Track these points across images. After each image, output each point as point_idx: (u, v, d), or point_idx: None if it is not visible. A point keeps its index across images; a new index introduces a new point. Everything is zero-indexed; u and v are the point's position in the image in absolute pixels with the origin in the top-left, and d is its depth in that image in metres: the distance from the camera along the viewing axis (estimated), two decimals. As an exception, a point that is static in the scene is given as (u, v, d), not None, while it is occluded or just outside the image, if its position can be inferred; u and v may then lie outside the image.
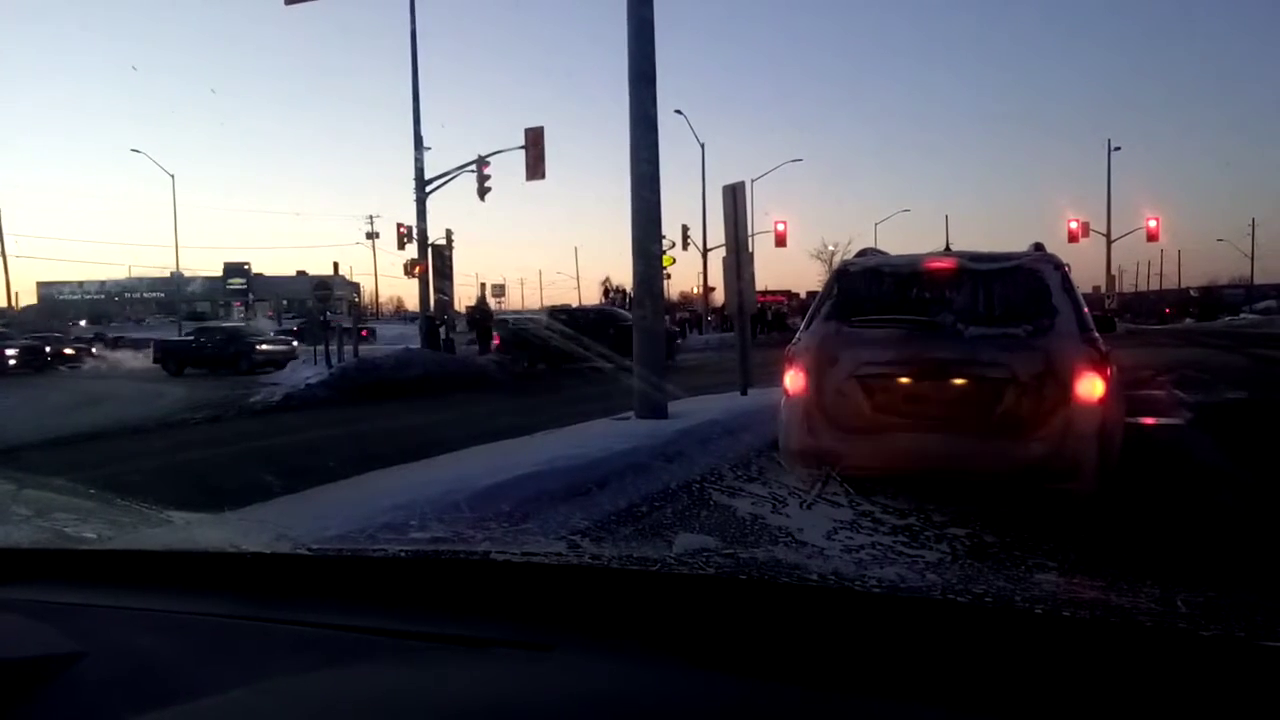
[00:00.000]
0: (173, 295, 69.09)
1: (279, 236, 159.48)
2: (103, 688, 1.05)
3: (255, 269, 79.84)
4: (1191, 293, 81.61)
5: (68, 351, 33.02)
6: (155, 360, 27.84)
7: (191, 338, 28.42)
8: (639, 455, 7.08)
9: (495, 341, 24.23)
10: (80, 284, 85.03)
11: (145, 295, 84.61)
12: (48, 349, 31.78)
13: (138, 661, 1.13)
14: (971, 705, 0.88)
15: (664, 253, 18.63)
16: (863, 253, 6.47)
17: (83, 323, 55.30)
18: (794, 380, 5.64)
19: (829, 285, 6.07)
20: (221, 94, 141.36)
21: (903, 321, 5.41)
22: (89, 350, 34.48)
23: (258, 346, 25.76)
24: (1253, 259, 72.89)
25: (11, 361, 29.07)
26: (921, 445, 5.10)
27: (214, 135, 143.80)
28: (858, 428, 5.32)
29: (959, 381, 5.20)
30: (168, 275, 60.20)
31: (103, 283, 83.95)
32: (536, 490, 5.74)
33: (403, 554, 1.53)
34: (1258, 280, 74.39)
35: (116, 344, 37.97)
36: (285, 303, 73.78)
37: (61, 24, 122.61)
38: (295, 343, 27.52)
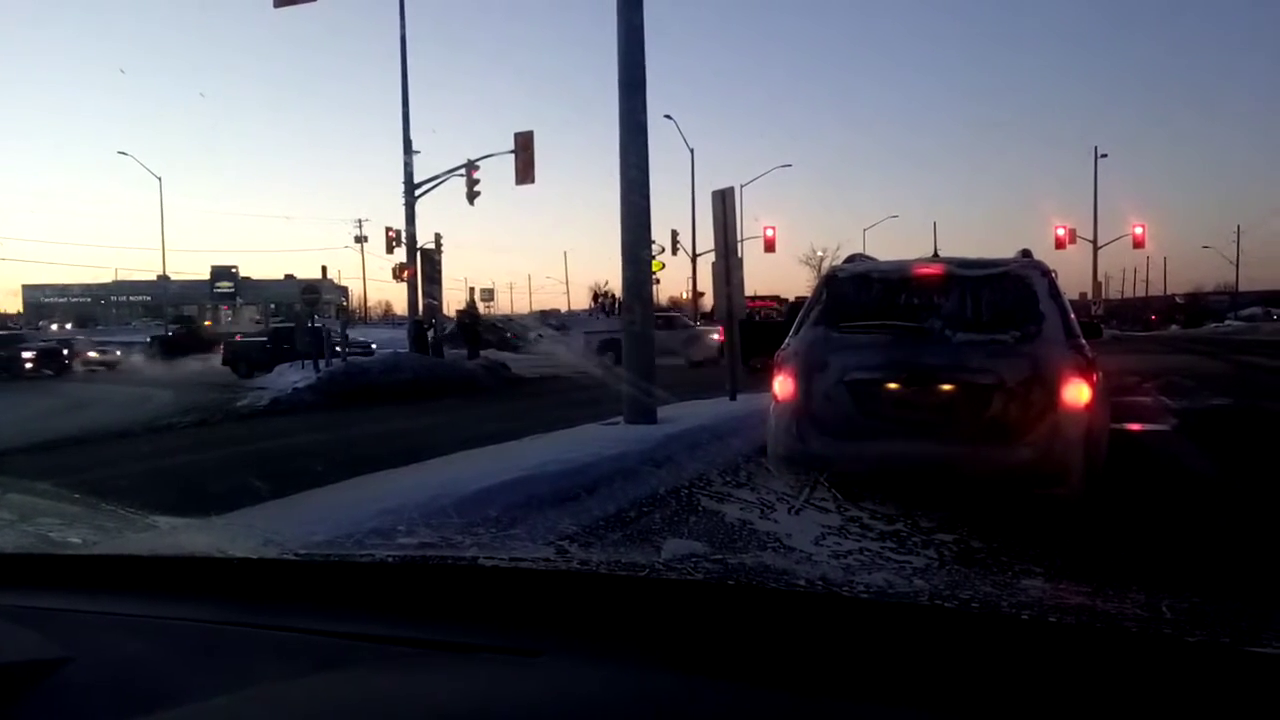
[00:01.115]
0: (159, 298, 68.68)
1: (267, 240, 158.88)
2: (88, 693, 1.05)
3: (243, 272, 79.52)
4: (1177, 299, 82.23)
5: (92, 355, 31.71)
6: (224, 362, 26.74)
7: (265, 339, 27.27)
8: (628, 460, 7.08)
9: (719, 336, 20.75)
10: (66, 286, 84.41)
11: (131, 298, 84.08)
12: (65, 351, 30.25)
13: (123, 667, 1.12)
14: (959, 710, 0.88)
15: (653, 258, 18.63)
16: (851, 258, 6.52)
17: (54, 326, 53.54)
18: (783, 385, 5.66)
19: (818, 291, 6.11)
20: (210, 97, 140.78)
21: (891, 327, 5.44)
22: (113, 353, 32.75)
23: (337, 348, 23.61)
24: (1238, 266, 73.53)
25: (28, 365, 27.79)
26: (909, 450, 5.12)
27: (202, 138, 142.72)
28: (846, 433, 5.33)
29: (947, 387, 5.22)
30: (154, 278, 59.80)
31: (88, 285, 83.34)
32: (525, 495, 5.73)
33: (390, 559, 1.53)
34: (1242, 287, 75.10)
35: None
36: (273, 306, 73.49)
37: (48, 26, 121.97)
38: (374, 345, 25.98)
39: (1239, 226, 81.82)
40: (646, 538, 5.05)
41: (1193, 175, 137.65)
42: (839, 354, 5.46)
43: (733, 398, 11.08)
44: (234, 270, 77.87)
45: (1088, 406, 5.08)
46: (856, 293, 5.77)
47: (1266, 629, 1.09)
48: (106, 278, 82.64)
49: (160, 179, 48.64)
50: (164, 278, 55.74)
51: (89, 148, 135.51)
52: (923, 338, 5.32)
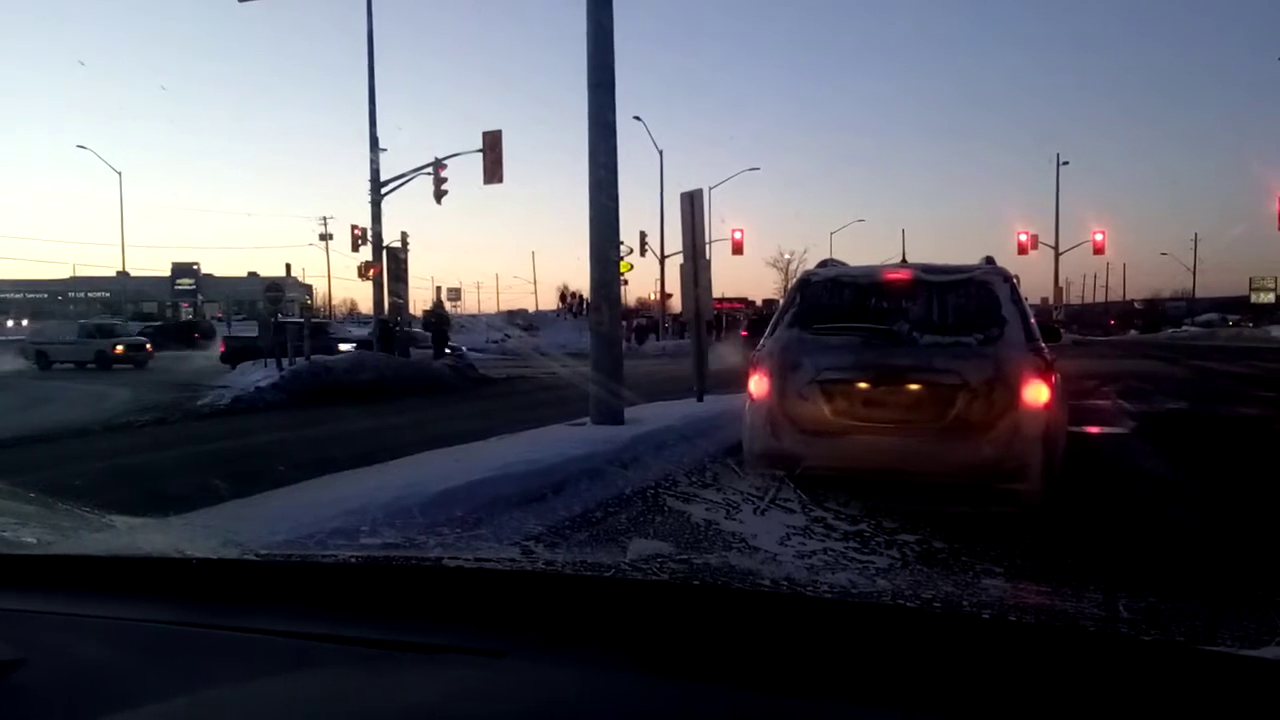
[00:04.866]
0: (118, 295, 67.56)
1: (230, 237, 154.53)
2: (42, 695, 1.02)
3: (205, 269, 78.24)
4: (1136, 305, 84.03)
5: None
6: None
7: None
8: (594, 461, 7.07)
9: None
10: (21, 282, 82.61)
11: (89, 295, 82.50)
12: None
13: (79, 669, 1.10)
14: (921, 708, 0.89)
15: (622, 259, 18.61)
16: (824, 263, 6.74)
17: (10, 323, 50.79)
18: (758, 385, 5.79)
19: (791, 294, 6.31)
20: (172, 91, 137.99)
21: (861, 329, 5.62)
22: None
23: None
24: (1194, 273, 75.07)
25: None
26: (878, 447, 5.29)
27: (164, 133, 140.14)
28: (818, 430, 5.48)
29: (914, 387, 5.39)
30: (113, 275, 58.77)
31: (45, 281, 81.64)
32: (490, 495, 5.71)
33: (353, 559, 1.51)
34: (1199, 294, 76.83)
35: None
36: (236, 305, 72.47)
37: (4, 17, 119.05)
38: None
39: (1196, 234, 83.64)
40: (613, 538, 5.05)
41: (1152, 184, 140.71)
42: (812, 355, 5.61)
43: (700, 399, 11.12)
44: (196, 267, 76.56)
45: (1046, 406, 5.24)
46: (829, 296, 5.95)
47: (1220, 628, 1.12)
48: (64, 274, 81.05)
49: (120, 174, 48.04)
50: (123, 274, 54.79)
51: (47, 142, 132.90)
52: (891, 340, 5.50)
